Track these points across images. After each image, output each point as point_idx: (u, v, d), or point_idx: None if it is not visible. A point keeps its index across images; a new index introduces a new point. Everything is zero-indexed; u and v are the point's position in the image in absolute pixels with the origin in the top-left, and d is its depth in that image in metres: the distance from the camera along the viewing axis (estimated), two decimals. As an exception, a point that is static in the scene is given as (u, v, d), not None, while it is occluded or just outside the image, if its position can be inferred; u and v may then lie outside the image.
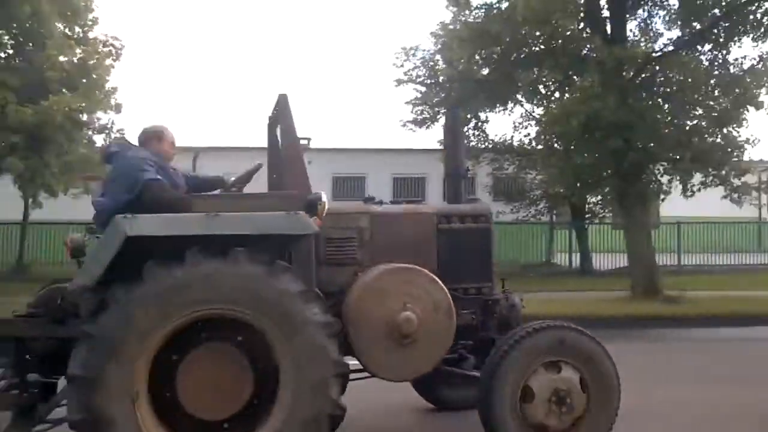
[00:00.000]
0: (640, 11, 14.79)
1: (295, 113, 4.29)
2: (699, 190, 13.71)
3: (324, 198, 4.00)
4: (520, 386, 3.93)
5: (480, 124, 17.75)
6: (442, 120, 17.65)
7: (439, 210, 4.80)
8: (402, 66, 17.31)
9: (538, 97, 15.87)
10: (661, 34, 15.07)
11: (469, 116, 17.23)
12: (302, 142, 4.45)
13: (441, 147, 19.34)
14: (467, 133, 18.00)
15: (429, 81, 17.18)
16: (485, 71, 14.73)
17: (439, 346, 4.17)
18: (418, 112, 17.71)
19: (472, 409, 5.03)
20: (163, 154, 4.15)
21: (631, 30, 14.46)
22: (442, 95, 16.48)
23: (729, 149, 13.22)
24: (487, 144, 18.41)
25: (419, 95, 17.46)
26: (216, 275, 3.39)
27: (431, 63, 16.97)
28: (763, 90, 12.90)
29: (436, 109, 17.27)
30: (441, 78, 16.53)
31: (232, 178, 4.51)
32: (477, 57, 14.25)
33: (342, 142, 26.87)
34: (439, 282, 4.22)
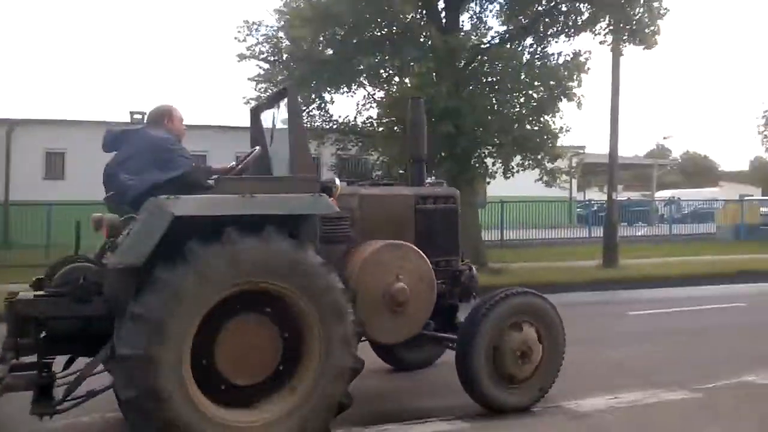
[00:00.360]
0: (473, 4, 15.83)
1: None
2: (518, 171, 15.12)
3: (338, 181, 4.51)
4: (493, 342, 4.66)
5: (324, 104, 17.87)
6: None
7: (417, 192, 5.32)
8: (244, 41, 16.79)
9: (380, 80, 16.36)
10: (491, 28, 16.29)
11: (313, 96, 17.30)
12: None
13: (285, 126, 19.27)
14: (311, 113, 18.10)
15: (272, 58, 16.87)
16: (329, 52, 14.87)
17: (425, 312, 4.82)
18: (262, 89, 17.32)
19: (427, 368, 6.11)
20: (177, 133, 4.36)
21: (463, 22, 15.44)
22: (286, 73, 16.31)
23: (545, 136, 14.73)
24: (331, 125, 18.62)
25: (262, 72, 17.10)
26: (252, 251, 3.67)
27: (275, 40, 16.66)
28: (575, 83, 14.46)
29: (281, 87, 17.07)
30: (285, 56, 16.35)
31: (233, 163, 4.69)
32: (321, 38, 14.34)
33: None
34: (424, 256, 4.79)
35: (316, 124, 18.29)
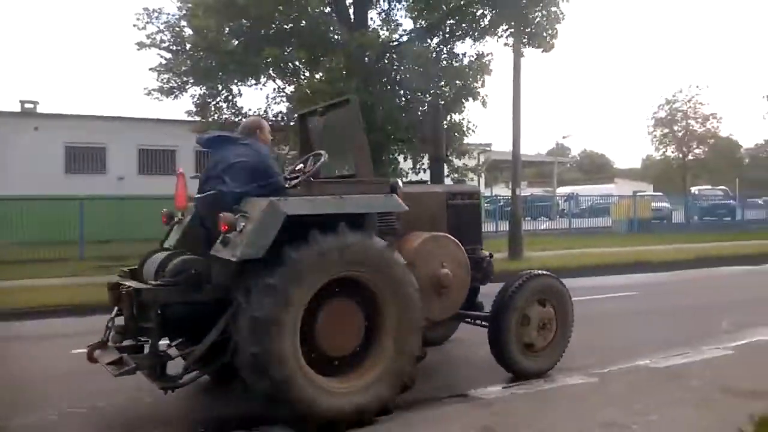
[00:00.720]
0: (381, 0, 15.85)
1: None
2: (428, 168, 15.29)
3: (400, 183, 5.10)
4: (520, 317, 5.49)
5: (231, 97, 17.26)
6: (192, 90, 16.80)
7: (448, 190, 6.06)
8: (144, 28, 15.84)
9: (288, 74, 16.03)
10: (401, 25, 16.39)
11: (219, 88, 16.69)
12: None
13: (191, 119, 18.47)
14: (219, 106, 17.47)
15: (175, 47, 16.04)
16: (235, 43, 14.35)
17: (463, 293, 5.53)
18: (164, 80, 16.44)
19: (444, 345, 6.74)
20: (266, 143, 5.01)
21: (372, 18, 15.41)
22: (189, 63, 15.58)
23: (453, 134, 15.00)
24: (240, 118, 18.04)
25: (164, 62, 16.22)
26: (357, 244, 4.38)
27: (177, 28, 15.84)
28: (479, 83, 14.82)
29: (185, 78, 16.26)
30: (188, 45, 15.60)
31: (300, 165, 5.21)
32: (226, 28, 13.83)
33: (76, 108, 24.10)
34: (461, 246, 5.46)
35: (224, 116, 17.67)
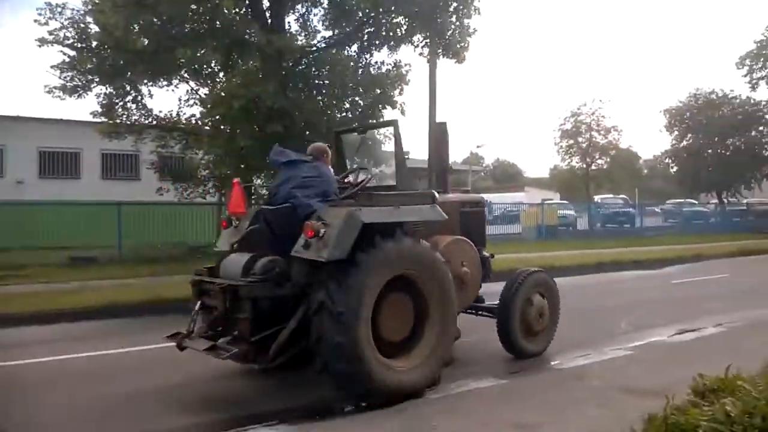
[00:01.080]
0: (299, 6, 15.73)
1: None
2: (347, 176, 15.31)
3: (437, 194, 5.83)
4: (522, 308, 6.44)
5: (140, 97, 16.54)
6: (97, 89, 15.97)
7: (460, 198, 6.97)
8: (46, 24, 14.92)
9: (203, 76, 15.58)
10: (319, 31, 16.34)
11: (128, 88, 15.96)
12: None
13: (97, 120, 17.48)
14: (127, 106, 16.71)
15: (79, 45, 15.18)
16: (145, 42, 13.77)
17: (476, 289, 6.62)
18: (68, 78, 15.52)
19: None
20: (329, 165, 5.93)
21: (290, 23, 15.28)
22: (95, 61, 14.79)
23: (369, 142, 15.11)
24: (150, 120, 17.31)
25: (67, 59, 15.30)
26: (409, 247, 5.25)
27: (82, 25, 15.01)
28: (397, 91, 15.04)
29: (90, 76, 15.41)
30: (94, 43, 14.81)
31: (349, 179, 6.26)
32: (135, 26, 13.23)
33: (-32, 106, 22.33)
34: (475, 248, 6.43)
35: (133, 118, 16.91)
